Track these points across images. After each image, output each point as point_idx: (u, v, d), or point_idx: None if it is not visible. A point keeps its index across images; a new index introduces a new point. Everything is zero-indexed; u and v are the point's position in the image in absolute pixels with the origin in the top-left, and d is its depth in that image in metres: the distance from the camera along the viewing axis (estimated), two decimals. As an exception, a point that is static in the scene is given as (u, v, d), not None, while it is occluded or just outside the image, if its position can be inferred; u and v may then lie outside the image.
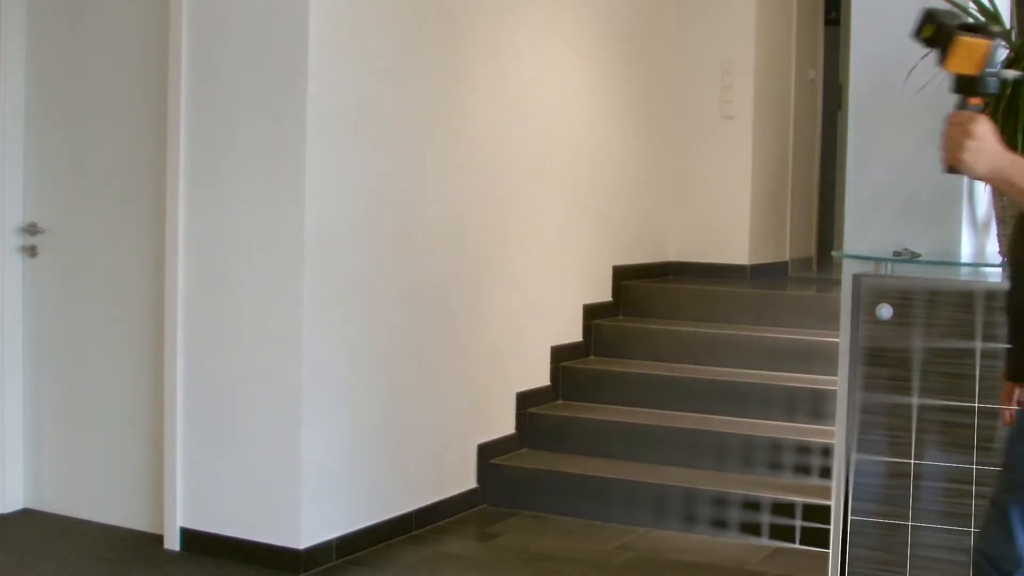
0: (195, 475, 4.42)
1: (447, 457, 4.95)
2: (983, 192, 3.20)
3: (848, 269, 3.13)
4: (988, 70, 2.30)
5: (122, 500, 4.70)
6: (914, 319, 2.87)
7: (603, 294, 6.06)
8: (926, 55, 3.08)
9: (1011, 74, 2.57)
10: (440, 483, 4.91)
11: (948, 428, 2.86)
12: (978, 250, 3.24)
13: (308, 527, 4.26)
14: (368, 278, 4.45)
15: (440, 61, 4.77)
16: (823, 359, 5.26)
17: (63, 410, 4.83)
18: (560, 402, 5.61)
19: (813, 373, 5.29)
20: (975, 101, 2.34)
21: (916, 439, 2.89)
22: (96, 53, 4.70)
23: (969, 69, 2.32)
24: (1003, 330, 2.78)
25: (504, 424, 5.31)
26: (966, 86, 2.31)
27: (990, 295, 2.83)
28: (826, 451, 4.67)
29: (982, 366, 2.82)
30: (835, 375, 3.33)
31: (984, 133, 2.28)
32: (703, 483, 4.79)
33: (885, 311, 2.89)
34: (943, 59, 2.34)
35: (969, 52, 2.32)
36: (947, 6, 2.53)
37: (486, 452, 5.17)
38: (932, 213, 3.14)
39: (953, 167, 2.30)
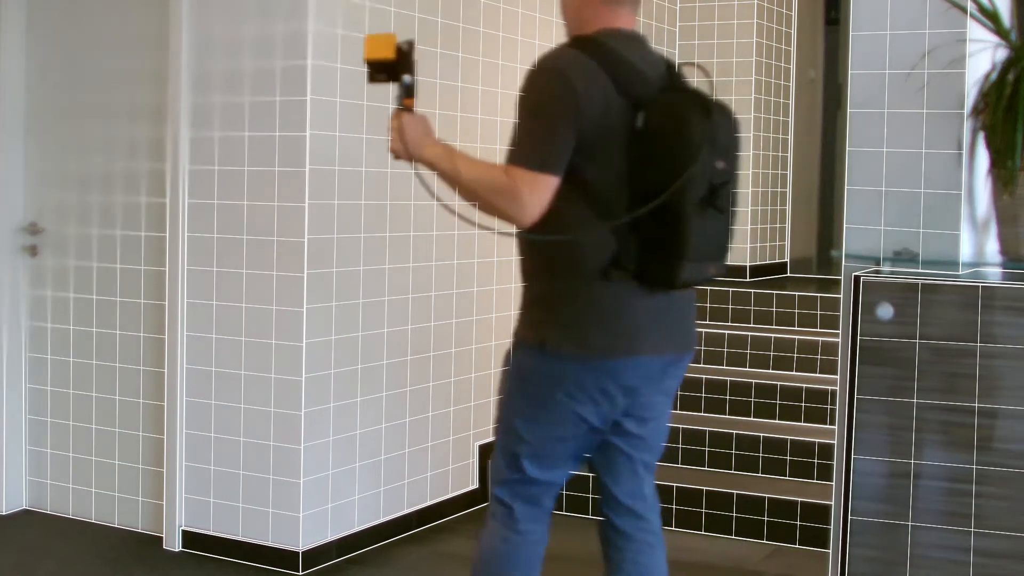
0: (195, 476, 4.42)
1: (447, 457, 4.95)
2: (983, 192, 3.20)
3: (848, 269, 3.13)
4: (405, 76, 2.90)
5: (122, 501, 4.70)
6: (914, 319, 2.86)
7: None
8: (926, 55, 3.09)
9: (407, 78, 2.94)
10: (440, 483, 4.91)
11: (948, 428, 2.86)
12: (978, 250, 3.24)
13: (308, 527, 4.26)
14: (368, 278, 4.46)
15: (441, 60, 4.77)
16: (823, 359, 5.27)
17: (63, 410, 4.83)
18: (560, 402, 5.60)
19: (813, 373, 5.30)
20: (407, 102, 2.91)
21: (916, 439, 2.88)
22: (96, 53, 4.70)
23: (387, 53, 2.93)
24: (1003, 330, 2.78)
25: (504, 424, 5.31)
26: (383, 71, 2.94)
27: (990, 295, 2.83)
28: (826, 451, 4.67)
29: (982, 366, 2.82)
30: (835, 375, 3.32)
31: (404, 126, 2.88)
32: (703, 483, 4.79)
33: (885, 311, 2.89)
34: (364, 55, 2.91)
35: (377, 42, 2.94)
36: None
37: (486, 452, 5.17)
38: (932, 213, 3.14)
39: (393, 155, 2.92)
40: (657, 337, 2.82)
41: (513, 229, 2.83)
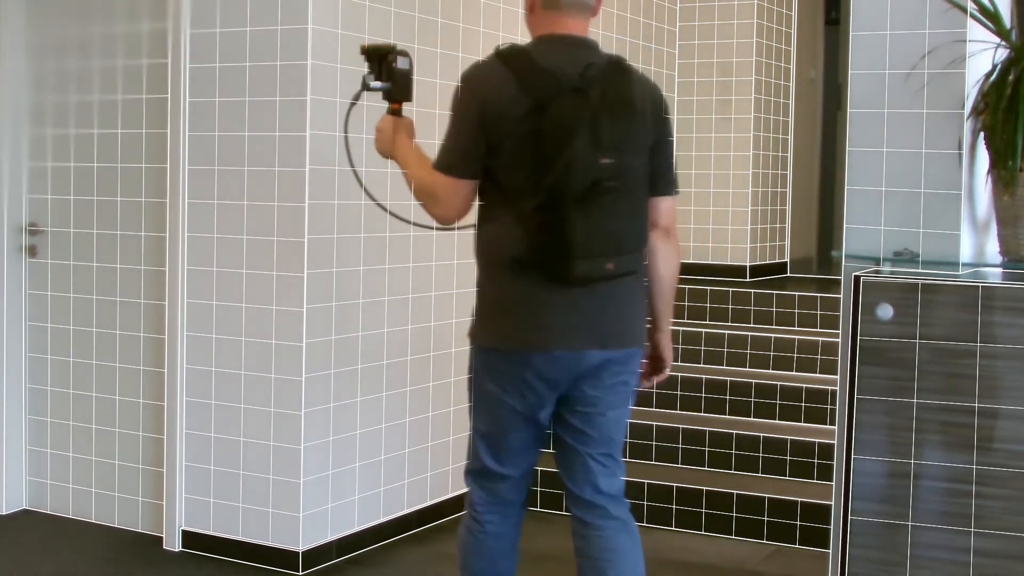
0: (195, 476, 4.42)
1: (447, 457, 4.95)
2: (983, 192, 3.20)
3: (848, 269, 3.13)
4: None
5: (122, 501, 4.70)
6: (914, 319, 2.86)
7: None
8: (926, 55, 3.09)
9: (377, 85, 3.23)
10: (440, 483, 4.91)
11: (948, 428, 2.86)
12: (978, 250, 3.24)
13: (308, 527, 4.26)
14: (368, 278, 4.46)
15: (441, 60, 4.77)
16: (823, 359, 5.27)
17: (63, 411, 4.83)
18: (560, 402, 5.61)
19: (813, 373, 5.30)
20: (394, 106, 3.24)
21: (916, 439, 2.88)
22: (96, 52, 4.70)
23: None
24: (1003, 330, 2.78)
25: (504, 424, 5.31)
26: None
27: (990, 295, 2.83)
28: (826, 451, 4.67)
29: (982, 366, 2.82)
30: (835, 375, 3.32)
31: (381, 128, 3.24)
32: (703, 483, 4.79)
33: (885, 311, 2.89)
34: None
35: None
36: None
37: (486, 452, 5.17)
38: (932, 213, 3.14)
39: (379, 153, 3.25)
40: (570, 333, 2.92)
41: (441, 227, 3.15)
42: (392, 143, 3.21)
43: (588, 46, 3.02)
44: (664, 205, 3.05)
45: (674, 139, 3.12)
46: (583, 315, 2.93)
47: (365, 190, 3.40)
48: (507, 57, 2.93)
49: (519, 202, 2.87)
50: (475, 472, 3.18)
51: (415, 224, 3.40)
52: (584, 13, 3.04)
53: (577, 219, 2.82)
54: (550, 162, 2.82)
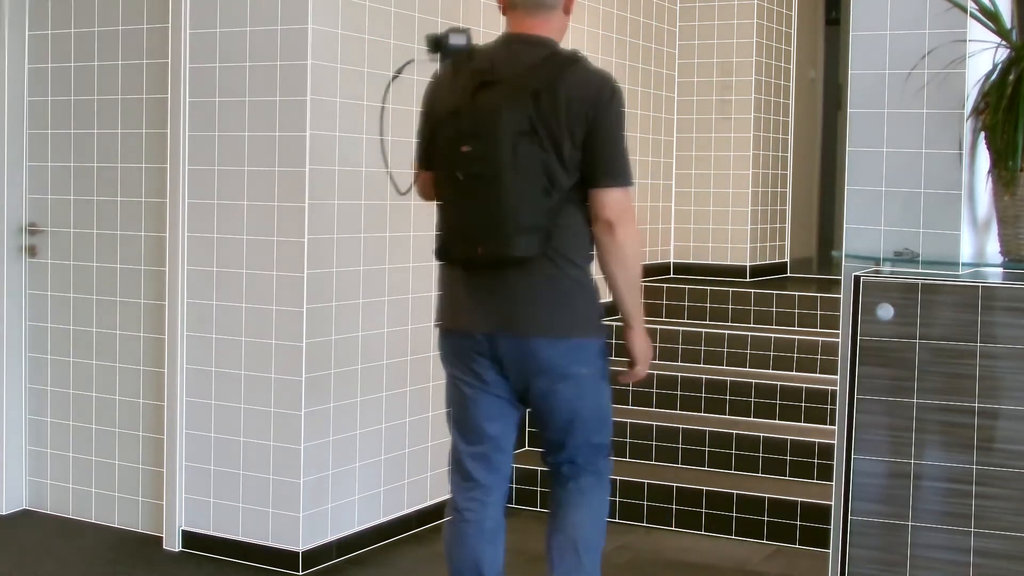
0: (195, 476, 4.42)
1: (447, 457, 4.94)
2: (983, 192, 3.20)
3: (848, 269, 3.13)
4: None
5: (122, 501, 4.70)
6: (914, 319, 2.86)
7: (603, 294, 6.04)
8: (926, 55, 3.09)
9: (456, 42, 3.23)
10: (440, 483, 4.91)
11: (948, 428, 2.86)
12: (978, 250, 3.24)
13: (308, 527, 4.26)
14: (368, 279, 4.46)
15: (440, 60, 4.76)
16: (823, 359, 5.27)
17: (63, 411, 4.83)
18: (560, 402, 5.60)
19: (813, 373, 5.30)
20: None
21: (916, 439, 2.88)
22: (96, 52, 4.70)
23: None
24: (1003, 330, 2.78)
25: (504, 424, 5.31)
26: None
27: (990, 295, 2.83)
28: (826, 451, 4.67)
29: (982, 366, 2.82)
30: (835, 375, 3.32)
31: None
32: (703, 483, 4.79)
33: (885, 311, 2.89)
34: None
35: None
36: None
37: (486, 452, 5.17)
38: (932, 213, 3.14)
39: None
40: (478, 315, 3.13)
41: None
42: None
43: (533, 43, 3.13)
44: (602, 197, 3.05)
45: (618, 133, 3.09)
46: (488, 299, 3.11)
47: (387, 164, 3.52)
48: (457, 58, 3.17)
49: (436, 188, 3.19)
50: (452, 460, 3.31)
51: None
52: (541, 13, 3.14)
53: (447, 207, 3.15)
54: (437, 153, 3.14)
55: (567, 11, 3.20)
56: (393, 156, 3.52)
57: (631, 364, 3.25)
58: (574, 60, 3.11)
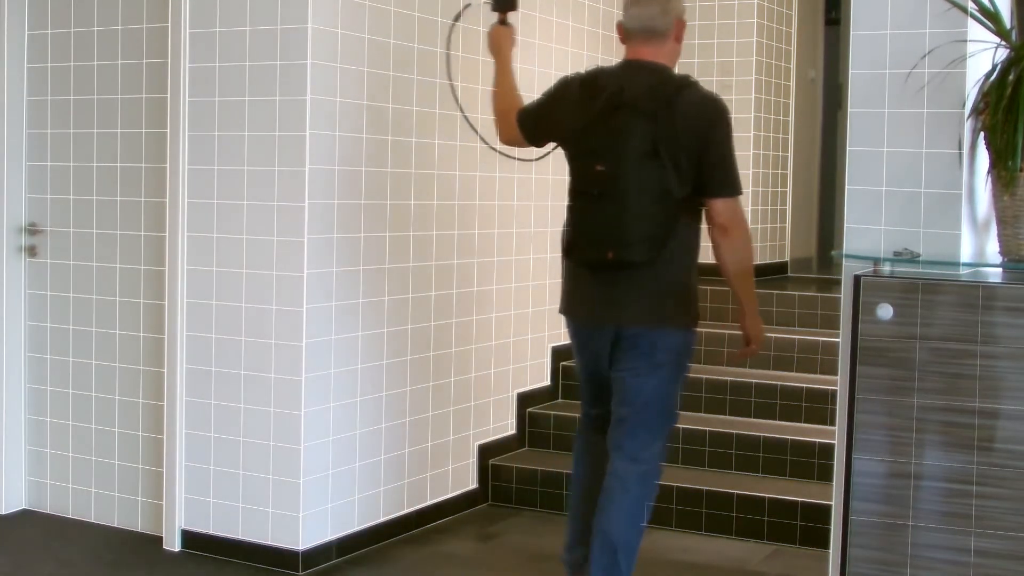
0: (195, 476, 4.42)
1: (447, 457, 4.95)
2: (983, 192, 3.20)
3: (848, 269, 3.13)
4: None
5: (122, 501, 4.70)
6: (914, 319, 2.86)
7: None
8: (926, 55, 3.09)
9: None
10: (440, 483, 4.91)
11: (948, 428, 2.86)
12: (978, 250, 3.24)
13: (308, 527, 4.26)
14: (368, 279, 4.46)
15: (440, 60, 4.76)
16: (823, 359, 5.27)
17: (63, 410, 4.83)
18: (560, 402, 5.61)
19: (813, 373, 5.29)
20: (501, 16, 4.00)
21: (916, 439, 2.88)
22: (96, 52, 4.70)
23: None
24: (1003, 330, 2.78)
25: (504, 424, 5.32)
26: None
27: (990, 295, 2.83)
28: (826, 451, 4.67)
29: (982, 366, 2.82)
30: (835, 375, 3.32)
31: (491, 34, 4.02)
32: (703, 483, 4.79)
33: (885, 311, 2.89)
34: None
35: None
36: None
37: (486, 452, 5.17)
38: (932, 213, 3.14)
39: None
40: (593, 309, 3.63)
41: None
42: (497, 49, 3.98)
43: (650, 69, 3.57)
44: (716, 206, 3.53)
45: (726, 149, 3.53)
46: (602, 295, 3.57)
47: (460, 108, 4.05)
48: (586, 75, 3.65)
49: (569, 196, 3.69)
50: (581, 416, 3.92)
51: (498, 150, 4.08)
52: (655, 41, 3.59)
53: (581, 215, 3.61)
54: (572, 166, 3.68)
55: (677, 39, 3.63)
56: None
57: (746, 342, 3.71)
58: (687, 84, 3.55)
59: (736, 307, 3.76)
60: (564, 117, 3.65)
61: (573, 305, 3.71)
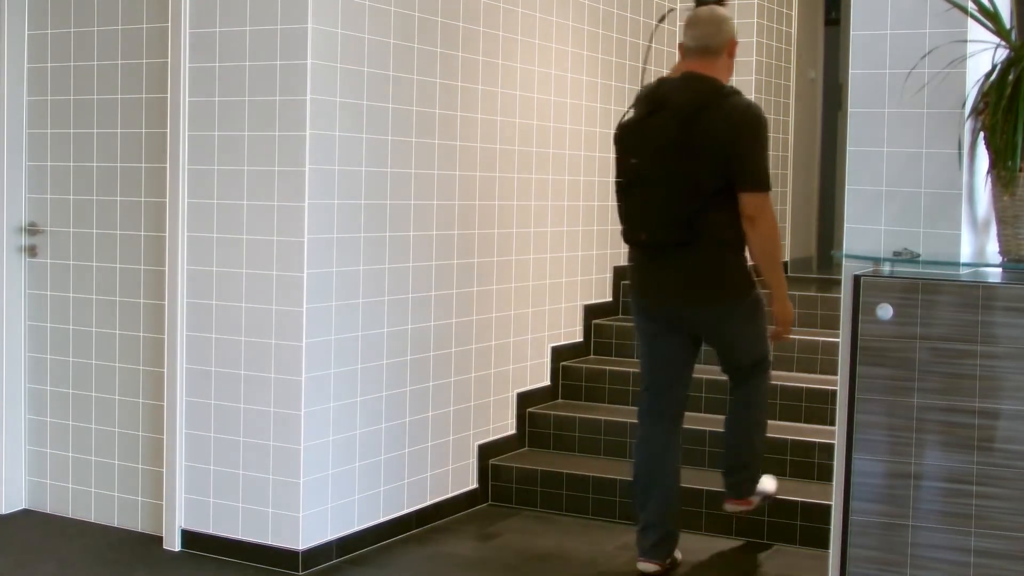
0: (195, 475, 4.42)
1: (447, 457, 4.95)
2: (983, 192, 3.20)
3: (848, 269, 3.13)
4: None
5: (122, 501, 4.70)
6: (914, 319, 2.86)
7: (604, 294, 6.06)
8: (926, 55, 3.09)
9: None
10: (440, 483, 4.91)
11: (948, 428, 2.86)
12: (978, 250, 3.24)
13: (308, 527, 4.26)
14: (368, 279, 4.46)
15: (440, 60, 4.77)
16: (823, 359, 5.27)
17: (63, 410, 4.83)
18: (560, 402, 5.61)
19: (813, 373, 5.29)
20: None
21: (916, 439, 2.88)
22: (96, 52, 4.70)
23: None
24: (1003, 330, 2.78)
25: (504, 424, 5.32)
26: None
27: (990, 295, 2.83)
28: (826, 451, 4.67)
29: (982, 366, 2.82)
30: (835, 375, 3.32)
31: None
32: (703, 483, 4.79)
33: (885, 311, 2.88)
34: None
35: None
36: None
37: (486, 452, 5.17)
38: (932, 213, 3.14)
39: None
40: (654, 288, 4.16)
41: None
42: None
43: (699, 80, 4.05)
44: (745, 199, 3.98)
45: (756, 150, 4.00)
46: (658, 273, 4.13)
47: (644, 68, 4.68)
48: (652, 83, 4.21)
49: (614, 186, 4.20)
50: (640, 389, 4.34)
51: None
52: (708, 57, 4.08)
53: (624, 203, 4.13)
54: (616, 160, 4.18)
55: (730, 55, 4.12)
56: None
57: (776, 326, 4.20)
58: (730, 94, 4.04)
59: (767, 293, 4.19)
60: (625, 115, 4.19)
61: (635, 280, 4.23)
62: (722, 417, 5.21)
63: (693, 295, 4.09)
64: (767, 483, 4.49)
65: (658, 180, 4.00)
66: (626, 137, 4.12)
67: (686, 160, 3.95)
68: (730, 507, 4.44)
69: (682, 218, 3.98)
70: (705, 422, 5.13)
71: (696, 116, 3.95)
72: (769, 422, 4.74)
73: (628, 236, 4.16)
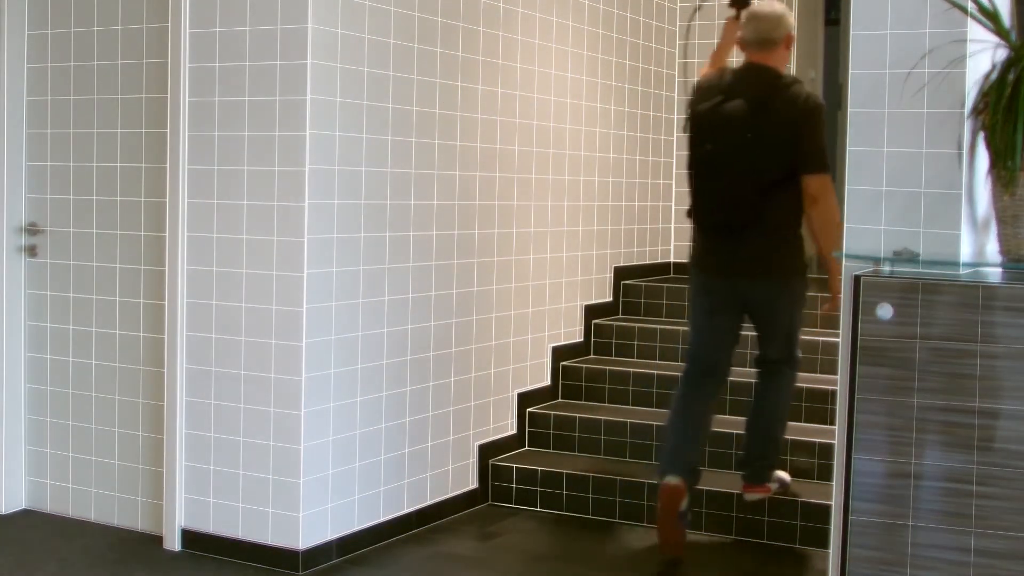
0: (195, 475, 4.42)
1: (447, 457, 4.95)
2: (983, 192, 3.20)
3: (848, 269, 3.13)
4: None
5: (122, 501, 4.70)
6: (914, 319, 2.86)
7: (604, 294, 6.06)
8: (926, 55, 3.09)
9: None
10: (440, 483, 4.91)
11: (948, 428, 2.86)
12: (978, 250, 3.24)
13: (308, 527, 4.26)
14: (368, 279, 4.46)
15: (441, 60, 4.77)
16: (823, 359, 5.26)
17: (63, 410, 4.83)
18: (560, 402, 5.61)
19: (813, 373, 5.29)
20: (732, 10, 4.77)
21: (916, 439, 2.88)
22: (96, 52, 4.70)
23: None
24: (1003, 330, 2.78)
25: (504, 424, 5.32)
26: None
27: (990, 295, 2.83)
28: (826, 451, 4.67)
29: (982, 366, 2.82)
30: (835, 375, 3.32)
31: (726, 25, 4.83)
32: (703, 483, 4.78)
33: (885, 311, 2.88)
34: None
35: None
36: None
37: (486, 452, 5.17)
38: (932, 213, 3.14)
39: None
40: (714, 263, 4.46)
41: None
42: (723, 35, 4.83)
43: (763, 70, 4.39)
44: (808, 181, 4.29)
45: (817, 135, 4.29)
46: (720, 252, 4.41)
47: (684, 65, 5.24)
48: (714, 72, 4.53)
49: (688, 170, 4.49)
50: (685, 354, 4.67)
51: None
52: (766, 48, 4.41)
53: (697, 188, 4.42)
54: (689, 144, 4.47)
55: (787, 46, 4.44)
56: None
57: (832, 297, 4.41)
58: (790, 83, 4.37)
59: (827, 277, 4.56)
60: (695, 104, 4.45)
61: (697, 258, 4.50)
62: (722, 417, 5.22)
63: (754, 267, 4.37)
64: (782, 474, 4.68)
65: (730, 164, 4.30)
66: (701, 124, 4.39)
67: (756, 145, 4.26)
68: (749, 495, 4.58)
69: (751, 201, 4.27)
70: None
71: (764, 103, 4.28)
72: (769, 422, 4.76)
73: (699, 218, 4.42)
